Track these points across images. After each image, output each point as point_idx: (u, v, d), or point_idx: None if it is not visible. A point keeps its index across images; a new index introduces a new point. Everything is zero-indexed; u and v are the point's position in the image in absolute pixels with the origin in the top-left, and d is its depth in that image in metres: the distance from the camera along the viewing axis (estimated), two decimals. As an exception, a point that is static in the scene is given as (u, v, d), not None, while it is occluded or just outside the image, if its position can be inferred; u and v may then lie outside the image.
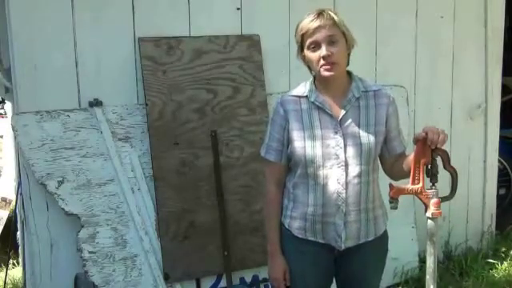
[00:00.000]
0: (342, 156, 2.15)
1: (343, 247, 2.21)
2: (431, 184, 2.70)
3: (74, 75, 3.03)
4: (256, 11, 3.39)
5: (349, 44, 2.14)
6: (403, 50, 3.91)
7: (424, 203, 2.70)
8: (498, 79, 4.33)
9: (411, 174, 2.70)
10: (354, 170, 2.16)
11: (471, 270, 3.94)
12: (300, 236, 2.25)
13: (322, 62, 2.09)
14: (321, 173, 2.16)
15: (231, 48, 3.30)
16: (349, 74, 2.22)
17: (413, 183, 2.69)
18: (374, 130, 2.17)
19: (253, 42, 3.36)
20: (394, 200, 2.67)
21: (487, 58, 4.25)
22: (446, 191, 2.76)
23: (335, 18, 2.10)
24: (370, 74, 3.74)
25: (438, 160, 2.69)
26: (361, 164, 2.16)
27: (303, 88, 2.22)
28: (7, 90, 3.25)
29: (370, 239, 2.25)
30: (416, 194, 2.70)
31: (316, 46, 2.09)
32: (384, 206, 2.32)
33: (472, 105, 4.25)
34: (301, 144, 2.17)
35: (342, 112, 2.16)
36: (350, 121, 2.16)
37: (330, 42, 2.08)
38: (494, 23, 4.23)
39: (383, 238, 2.32)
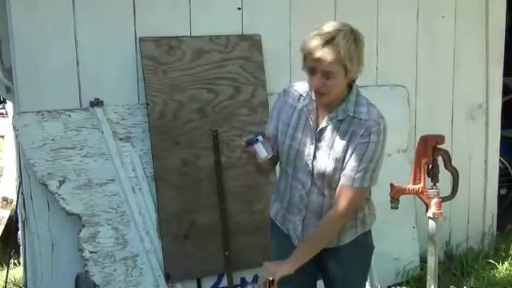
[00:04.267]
0: (310, 167, 2.18)
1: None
2: (432, 184, 2.70)
3: (74, 75, 3.03)
4: (257, 11, 3.39)
5: (348, 77, 2.05)
6: (404, 50, 3.91)
7: (425, 203, 2.72)
8: (499, 79, 4.33)
9: (412, 173, 2.71)
10: (319, 183, 2.18)
11: (472, 270, 3.93)
12: (273, 218, 2.40)
13: (313, 88, 2.08)
14: (291, 173, 2.24)
15: (232, 48, 3.30)
16: (350, 91, 2.14)
17: (414, 183, 2.70)
18: (341, 157, 2.12)
19: (254, 41, 3.36)
20: (394, 200, 2.68)
21: (488, 58, 4.24)
22: (447, 191, 2.77)
23: (342, 52, 1.96)
24: (371, 73, 3.73)
25: (439, 160, 2.70)
26: (324, 180, 2.17)
27: (306, 86, 2.19)
28: (8, 89, 3.25)
29: (330, 247, 2.25)
30: (417, 193, 2.71)
31: (312, 72, 2.04)
32: (362, 220, 2.28)
33: (473, 105, 4.25)
34: (281, 139, 2.24)
35: (321, 126, 2.15)
36: (325, 138, 2.15)
37: (326, 75, 2.01)
38: (495, 23, 4.22)
39: (354, 245, 2.28)
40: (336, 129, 2.13)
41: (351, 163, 2.10)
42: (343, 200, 2.13)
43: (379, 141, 2.09)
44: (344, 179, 2.12)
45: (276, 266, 2.16)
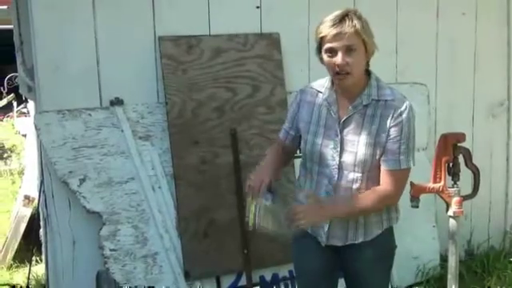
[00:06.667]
0: (336, 159, 2.17)
1: (325, 243, 2.26)
2: (453, 182, 2.68)
3: (95, 74, 3.06)
4: (275, 9, 3.39)
5: (368, 52, 2.10)
6: (424, 47, 3.88)
7: (446, 202, 2.69)
8: (521, 76, 4.28)
9: (433, 172, 2.69)
10: (347, 175, 2.17)
11: (494, 269, 3.89)
12: None
13: (336, 69, 2.08)
14: (316, 169, 2.23)
15: (251, 46, 3.30)
16: (369, 77, 2.17)
17: (434, 181, 2.68)
18: (373, 141, 2.13)
19: (272, 40, 3.36)
20: (415, 199, 2.66)
21: (510, 56, 4.19)
22: (468, 190, 2.75)
23: (357, 25, 2.03)
24: (391, 71, 3.71)
25: (460, 158, 2.67)
26: (354, 171, 2.16)
27: (323, 82, 2.24)
28: (30, 89, 3.29)
29: (357, 242, 2.25)
30: (437, 192, 2.69)
31: (333, 52, 2.07)
32: (387, 213, 2.27)
33: (494, 102, 4.20)
34: (304, 137, 2.25)
35: (345, 116, 2.16)
36: (351, 127, 2.15)
37: (348, 50, 2.05)
38: (517, 19, 4.17)
39: (377, 242, 2.27)
40: (362, 115, 2.14)
41: (392, 147, 2.12)
42: (392, 184, 2.14)
43: (410, 118, 2.12)
44: (389, 163, 2.13)
45: (310, 214, 2.11)
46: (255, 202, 2.18)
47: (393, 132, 2.11)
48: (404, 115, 2.11)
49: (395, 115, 2.11)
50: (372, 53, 2.13)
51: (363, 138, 2.13)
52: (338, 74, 2.09)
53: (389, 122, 2.11)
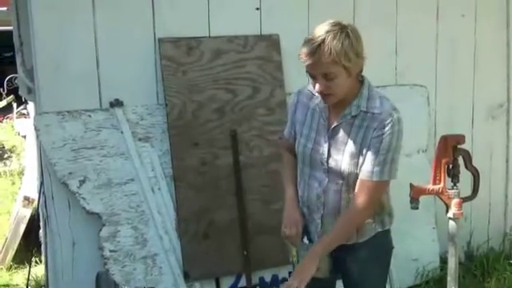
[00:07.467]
0: (325, 164, 2.19)
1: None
2: (452, 184, 2.68)
3: (95, 76, 3.06)
4: (275, 11, 3.39)
5: (352, 73, 2.05)
6: (424, 49, 3.88)
7: (445, 203, 2.69)
8: (521, 78, 4.28)
9: (432, 173, 2.69)
10: (335, 179, 2.19)
11: (493, 270, 3.89)
12: None
13: (317, 92, 2.10)
14: (308, 172, 2.26)
15: (250, 48, 3.30)
16: (362, 85, 2.15)
17: (434, 183, 2.68)
18: (357, 152, 2.13)
19: (272, 41, 3.36)
20: (414, 200, 2.66)
21: (509, 57, 4.19)
22: (468, 191, 2.75)
23: (335, 53, 1.96)
24: (390, 73, 3.71)
25: (460, 160, 2.67)
26: (341, 177, 2.17)
27: None
28: (30, 90, 3.29)
29: (348, 243, 2.24)
30: (437, 194, 2.69)
31: (312, 77, 2.08)
32: (378, 217, 2.27)
33: (494, 104, 4.20)
34: (298, 138, 2.28)
35: (334, 124, 2.17)
36: (339, 135, 2.16)
37: (326, 77, 2.03)
38: (517, 21, 4.18)
39: (372, 244, 2.27)
40: (350, 125, 2.14)
41: (369, 157, 2.11)
42: (364, 194, 2.13)
43: (393, 132, 2.08)
44: (363, 173, 2.13)
45: (300, 273, 2.14)
46: (296, 247, 2.30)
47: (373, 143, 2.09)
48: (386, 128, 2.07)
49: (378, 127, 2.08)
50: (357, 73, 2.09)
51: (348, 148, 2.15)
52: (320, 95, 2.12)
53: (371, 134, 2.10)
